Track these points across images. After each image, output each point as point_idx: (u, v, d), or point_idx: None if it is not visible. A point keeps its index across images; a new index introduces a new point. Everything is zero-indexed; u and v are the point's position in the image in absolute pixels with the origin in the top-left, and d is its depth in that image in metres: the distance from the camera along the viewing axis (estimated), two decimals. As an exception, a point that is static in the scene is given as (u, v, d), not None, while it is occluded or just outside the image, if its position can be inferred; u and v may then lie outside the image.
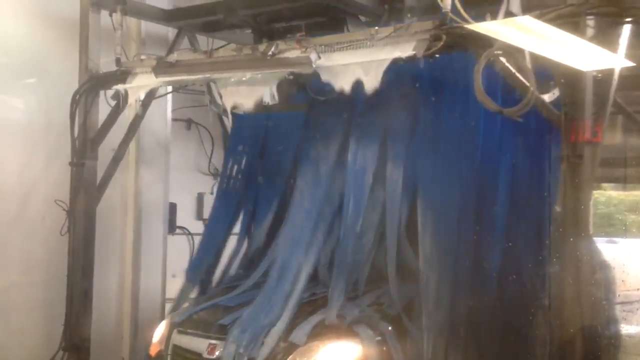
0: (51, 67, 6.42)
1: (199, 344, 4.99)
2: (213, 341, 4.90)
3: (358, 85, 4.49)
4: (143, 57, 5.93)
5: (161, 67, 5.32)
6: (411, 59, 4.36)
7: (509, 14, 4.63)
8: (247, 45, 5.49)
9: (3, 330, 6.01)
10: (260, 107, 5.05)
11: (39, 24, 6.26)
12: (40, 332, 6.21)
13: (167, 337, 5.25)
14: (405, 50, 4.38)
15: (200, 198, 8.02)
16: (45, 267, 6.25)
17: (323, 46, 4.65)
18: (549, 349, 4.29)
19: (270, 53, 4.74)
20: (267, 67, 4.79)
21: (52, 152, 6.33)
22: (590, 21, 3.89)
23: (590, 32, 3.90)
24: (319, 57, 4.58)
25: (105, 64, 6.13)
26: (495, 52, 4.07)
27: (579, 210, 4.12)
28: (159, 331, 5.40)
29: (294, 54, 4.70)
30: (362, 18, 5.65)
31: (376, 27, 4.53)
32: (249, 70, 4.94)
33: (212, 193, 7.83)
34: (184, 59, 5.35)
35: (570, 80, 4.08)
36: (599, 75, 4.12)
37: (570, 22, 3.82)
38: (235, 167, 6.23)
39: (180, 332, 5.19)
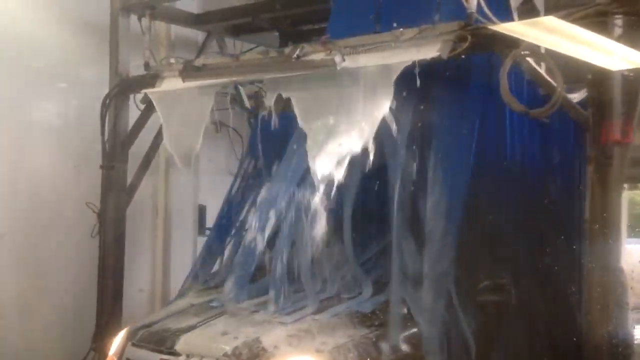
0: (82, 71, 6.51)
1: (150, 358, 4.54)
2: (165, 356, 4.42)
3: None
4: (172, 60, 5.99)
5: (188, 71, 5.34)
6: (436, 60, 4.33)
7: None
8: (274, 48, 5.51)
9: (35, 331, 6.10)
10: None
11: (70, 30, 6.34)
12: (71, 332, 6.29)
13: (122, 351, 4.79)
14: (430, 51, 4.35)
15: (230, 200, 8.04)
16: (76, 269, 6.34)
17: (348, 48, 4.64)
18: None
19: (295, 56, 4.74)
20: (293, 69, 4.79)
21: (84, 155, 6.41)
22: (618, 20, 3.83)
23: (617, 31, 3.84)
24: (344, 60, 4.57)
25: (136, 67, 6.20)
26: (522, 52, 4.03)
27: (608, 211, 4.06)
28: (116, 343, 4.91)
29: (318, 56, 4.69)
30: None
31: (401, 29, 4.50)
32: (274, 73, 4.95)
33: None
34: (211, 63, 5.36)
35: (598, 80, 4.03)
36: (631, 74, 4.05)
37: (597, 21, 3.76)
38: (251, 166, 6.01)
39: (134, 344, 4.71)
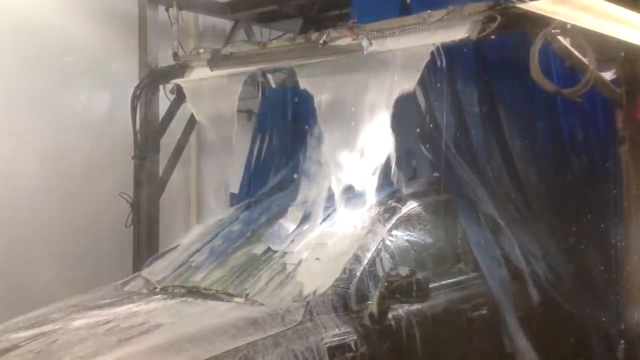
0: (112, 64, 6.59)
1: None
2: None
3: None
4: (200, 50, 6.00)
5: (216, 60, 5.36)
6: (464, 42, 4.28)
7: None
8: (300, 35, 5.50)
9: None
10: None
11: (99, 23, 6.41)
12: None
13: None
14: (458, 33, 4.30)
15: (261, 188, 8.05)
16: (110, 259, 6.42)
17: (374, 32, 4.60)
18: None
19: (321, 41, 4.72)
20: (320, 55, 4.77)
21: (116, 146, 6.49)
22: (651, -5, 3.75)
23: (651, 6, 3.75)
24: (371, 44, 4.54)
25: (164, 58, 6.24)
26: (553, 31, 3.96)
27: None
28: None
29: (345, 41, 4.66)
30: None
31: (429, 11, 4.45)
32: (302, 59, 4.94)
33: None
34: (239, 51, 5.37)
35: (631, 57, 3.94)
36: (665, 50, 3.95)
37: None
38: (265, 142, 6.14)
39: None
